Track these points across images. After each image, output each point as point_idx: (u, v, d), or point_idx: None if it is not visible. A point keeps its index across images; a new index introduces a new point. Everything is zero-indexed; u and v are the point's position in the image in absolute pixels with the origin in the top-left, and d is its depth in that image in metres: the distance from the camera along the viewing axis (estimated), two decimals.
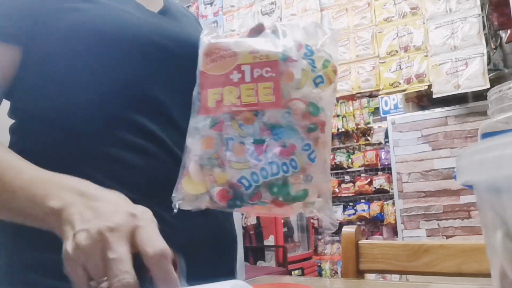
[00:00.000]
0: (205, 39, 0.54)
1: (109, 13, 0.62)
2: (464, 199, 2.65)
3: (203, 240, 0.65)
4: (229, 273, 0.72)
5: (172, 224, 0.57)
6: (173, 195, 0.49)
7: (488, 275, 0.23)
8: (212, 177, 0.48)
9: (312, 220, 4.43)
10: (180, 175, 0.50)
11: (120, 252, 0.39)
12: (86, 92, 0.61)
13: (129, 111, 0.61)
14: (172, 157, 0.63)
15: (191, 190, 0.49)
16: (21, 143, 0.64)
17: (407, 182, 2.85)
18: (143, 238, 0.41)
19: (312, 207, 0.50)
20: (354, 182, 4.47)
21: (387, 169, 4.15)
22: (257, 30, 0.58)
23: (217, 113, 0.49)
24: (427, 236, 2.75)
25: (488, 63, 2.53)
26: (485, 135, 0.45)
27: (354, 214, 4.34)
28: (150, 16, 0.69)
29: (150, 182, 0.61)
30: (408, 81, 2.66)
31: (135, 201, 0.55)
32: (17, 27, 0.60)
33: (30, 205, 0.48)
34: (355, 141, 4.78)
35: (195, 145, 0.50)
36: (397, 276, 2.53)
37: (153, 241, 0.41)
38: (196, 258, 0.55)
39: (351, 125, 4.70)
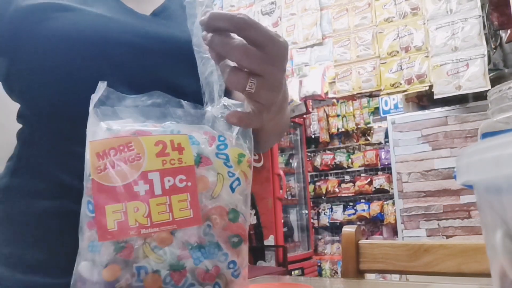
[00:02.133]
0: (91, 128, 0.42)
1: (80, 19, 0.64)
2: (464, 199, 2.65)
3: None
4: None
5: None
6: None
7: (488, 275, 0.23)
8: None
9: (312, 220, 4.43)
10: None
11: None
12: (51, 93, 0.63)
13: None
14: None
15: None
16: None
17: (407, 182, 2.85)
18: None
19: None
20: (354, 182, 4.48)
21: (387, 169, 4.16)
22: None
23: (121, 237, 0.38)
24: (427, 236, 2.76)
25: (488, 63, 2.53)
26: (485, 135, 0.45)
27: (354, 214, 4.35)
28: (136, 18, 0.70)
29: None
30: (409, 81, 2.65)
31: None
32: (2, 40, 0.64)
33: None
34: (355, 141, 4.78)
35: (94, 274, 0.38)
36: (397, 276, 2.53)
37: None
38: None
39: (351, 125, 4.70)
